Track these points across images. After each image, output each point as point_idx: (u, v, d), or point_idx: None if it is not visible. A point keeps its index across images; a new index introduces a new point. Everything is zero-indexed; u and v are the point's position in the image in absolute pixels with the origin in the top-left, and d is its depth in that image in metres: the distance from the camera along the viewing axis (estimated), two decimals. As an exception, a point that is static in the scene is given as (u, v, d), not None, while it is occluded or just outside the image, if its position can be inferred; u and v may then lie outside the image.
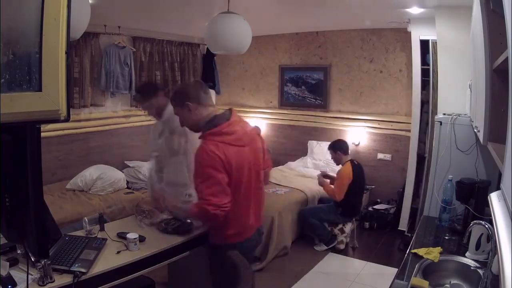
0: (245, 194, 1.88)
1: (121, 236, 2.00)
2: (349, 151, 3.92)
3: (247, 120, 2.06)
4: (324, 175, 3.90)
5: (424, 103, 3.95)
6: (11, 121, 0.79)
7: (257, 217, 2.01)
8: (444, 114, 2.57)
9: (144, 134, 5.04)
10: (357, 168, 3.74)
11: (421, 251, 1.89)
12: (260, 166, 1.97)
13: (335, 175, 4.02)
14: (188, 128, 1.97)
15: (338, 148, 3.78)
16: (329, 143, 4.92)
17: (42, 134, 0.98)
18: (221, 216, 1.75)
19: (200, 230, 2.16)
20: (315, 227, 3.80)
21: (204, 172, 1.74)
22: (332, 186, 3.78)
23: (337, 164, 3.96)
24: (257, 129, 2.10)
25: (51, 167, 4.06)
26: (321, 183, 3.84)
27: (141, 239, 1.97)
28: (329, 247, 3.77)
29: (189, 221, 2.20)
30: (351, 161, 3.75)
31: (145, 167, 4.50)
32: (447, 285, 1.75)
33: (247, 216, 1.92)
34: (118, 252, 1.86)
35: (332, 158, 3.92)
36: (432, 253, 1.86)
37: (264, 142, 2.08)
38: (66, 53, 0.83)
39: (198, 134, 1.88)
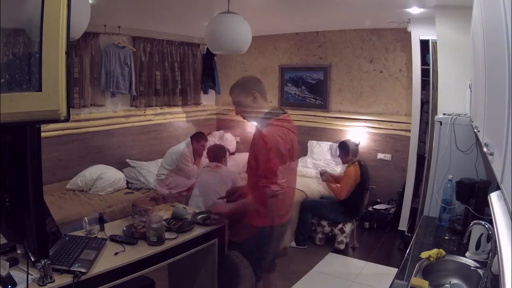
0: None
1: (114, 239, 1.98)
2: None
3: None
4: (324, 172, 3.94)
5: (424, 103, 3.94)
6: (11, 121, 0.79)
7: None
8: (444, 114, 2.57)
9: (144, 134, 5.05)
10: (364, 170, 3.79)
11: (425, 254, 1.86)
12: None
13: (335, 173, 4.04)
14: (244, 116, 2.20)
15: (351, 151, 3.80)
16: (329, 143, 4.96)
17: (42, 134, 0.98)
18: None
19: (202, 229, 2.17)
20: (303, 222, 3.83)
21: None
22: (335, 183, 3.81)
23: (343, 163, 3.98)
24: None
25: (51, 167, 4.06)
26: (325, 179, 3.87)
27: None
28: (297, 246, 3.83)
29: (189, 219, 2.23)
30: (359, 162, 3.79)
31: (145, 168, 4.50)
32: (447, 285, 1.75)
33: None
34: (116, 254, 1.85)
35: (339, 156, 3.95)
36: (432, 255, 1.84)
37: None
38: (66, 53, 0.83)
39: None
